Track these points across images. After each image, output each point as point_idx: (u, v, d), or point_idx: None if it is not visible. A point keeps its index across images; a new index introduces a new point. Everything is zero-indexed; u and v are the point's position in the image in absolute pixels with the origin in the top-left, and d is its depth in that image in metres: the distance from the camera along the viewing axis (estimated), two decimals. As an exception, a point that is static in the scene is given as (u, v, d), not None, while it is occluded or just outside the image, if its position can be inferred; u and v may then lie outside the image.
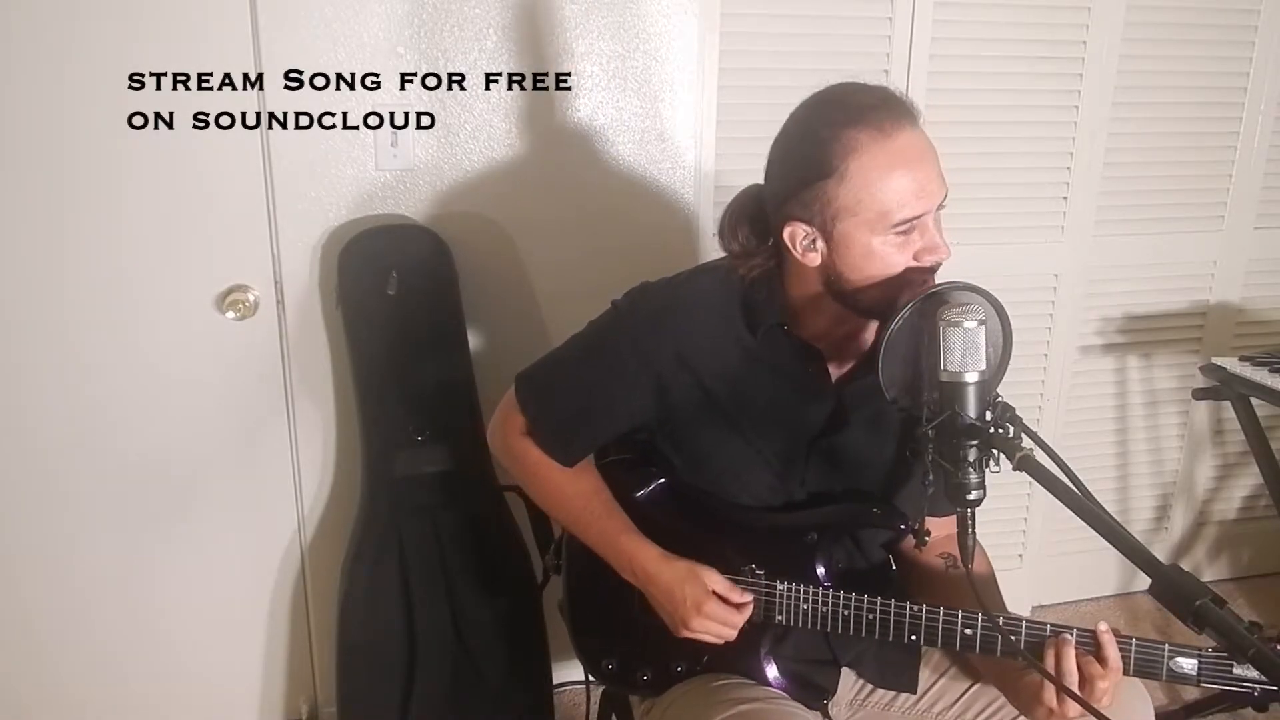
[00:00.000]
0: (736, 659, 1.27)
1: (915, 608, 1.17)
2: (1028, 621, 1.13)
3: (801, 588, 1.22)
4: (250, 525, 1.96)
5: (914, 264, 1.12)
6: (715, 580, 1.21)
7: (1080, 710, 1.06)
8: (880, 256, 1.12)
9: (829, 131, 1.11)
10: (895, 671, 1.33)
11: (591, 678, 1.38)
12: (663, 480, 1.32)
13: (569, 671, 2.07)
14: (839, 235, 1.12)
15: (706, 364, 1.24)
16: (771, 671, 1.27)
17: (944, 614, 1.16)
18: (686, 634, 1.22)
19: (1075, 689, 1.06)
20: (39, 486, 1.84)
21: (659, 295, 1.28)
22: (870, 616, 1.19)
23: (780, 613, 1.23)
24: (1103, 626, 1.09)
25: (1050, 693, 1.07)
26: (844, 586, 1.21)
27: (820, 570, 1.24)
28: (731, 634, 1.22)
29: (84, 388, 1.81)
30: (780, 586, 1.22)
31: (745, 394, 1.24)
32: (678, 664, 1.30)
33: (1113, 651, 1.08)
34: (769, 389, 1.25)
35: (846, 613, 1.20)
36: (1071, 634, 1.10)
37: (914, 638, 1.17)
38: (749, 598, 1.22)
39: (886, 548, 1.34)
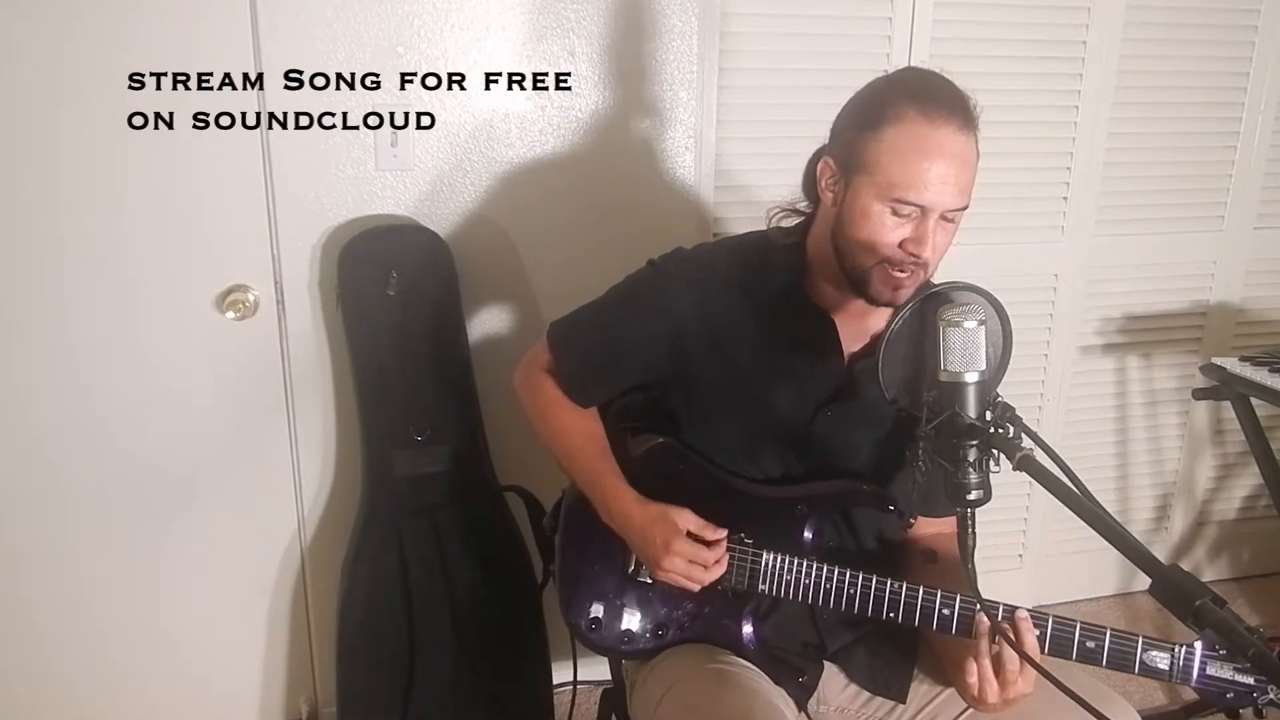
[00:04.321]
0: (716, 631, 1.30)
1: (895, 585, 1.20)
2: (1004, 605, 1.15)
3: (786, 558, 1.25)
4: (250, 525, 1.96)
5: (896, 251, 1.15)
6: (688, 519, 1.25)
7: (1007, 696, 1.10)
8: (873, 222, 1.16)
9: (890, 96, 1.16)
10: (886, 677, 1.33)
11: (575, 671, 1.43)
12: (662, 443, 1.35)
13: (569, 671, 2.06)
14: (852, 186, 1.18)
15: (723, 323, 1.28)
16: (747, 638, 1.29)
17: (923, 592, 1.18)
18: (661, 575, 1.25)
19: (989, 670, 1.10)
20: (39, 486, 1.84)
21: (691, 254, 1.35)
22: (851, 591, 1.22)
23: (764, 581, 1.26)
24: (1021, 613, 1.12)
25: (973, 676, 1.11)
26: (836, 563, 1.23)
27: (807, 538, 1.27)
28: (703, 574, 1.24)
29: (83, 388, 1.81)
30: (766, 556, 1.25)
31: (757, 357, 1.28)
32: (660, 629, 1.32)
33: (1029, 639, 1.11)
34: (781, 354, 1.28)
35: (828, 586, 1.23)
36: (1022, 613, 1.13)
37: (891, 615, 1.20)
38: (722, 533, 1.25)
39: (879, 539, 1.35)
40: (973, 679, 1.11)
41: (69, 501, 1.86)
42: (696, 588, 1.25)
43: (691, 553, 1.23)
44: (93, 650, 1.94)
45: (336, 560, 1.94)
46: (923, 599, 1.18)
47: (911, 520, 1.30)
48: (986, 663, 1.11)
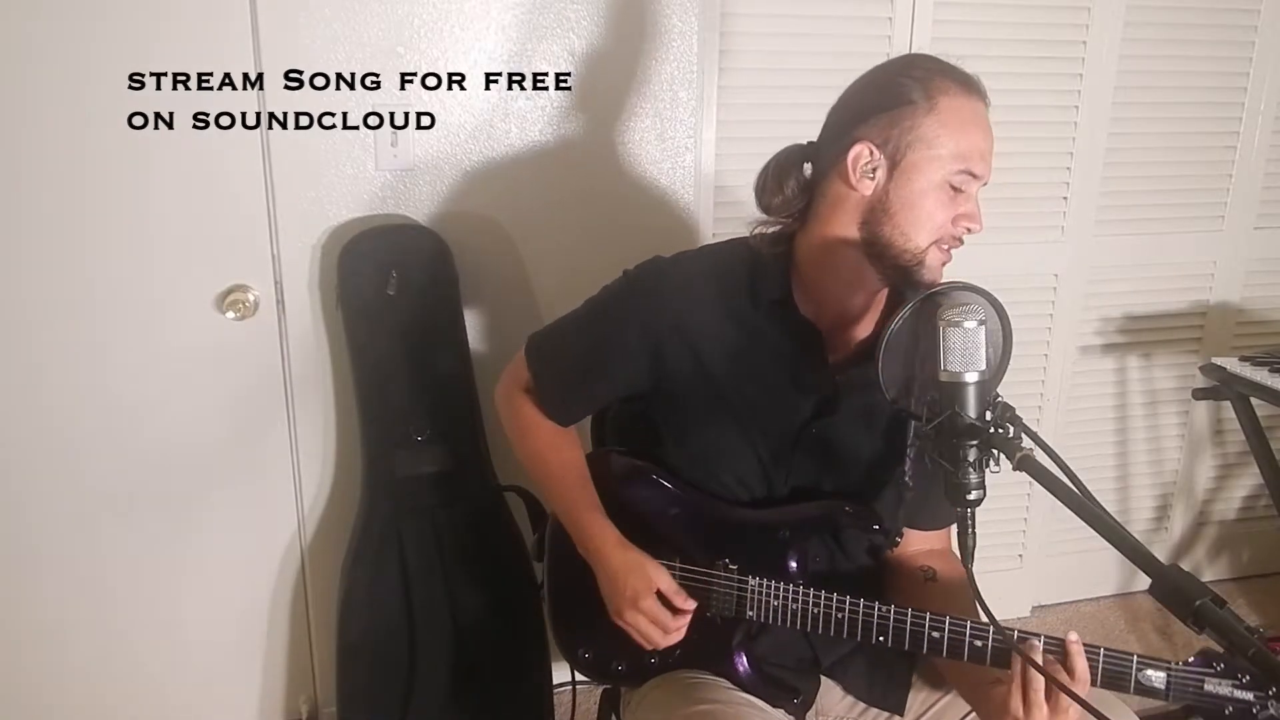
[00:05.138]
0: (709, 656, 1.28)
1: (884, 608, 1.16)
2: (1046, 637, 1.11)
3: (772, 584, 1.22)
4: (250, 525, 1.96)
5: (949, 228, 1.15)
6: (662, 579, 1.23)
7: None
8: (931, 200, 1.13)
9: (922, 74, 1.14)
10: (883, 689, 1.31)
11: (574, 672, 1.40)
12: (644, 465, 1.32)
13: (569, 671, 2.06)
14: (907, 164, 1.13)
15: (703, 337, 1.24)
16: (742, 669, 1.27)
17: (912, 615, 1.15)
18: (620, 623, 1.24)
19: (1040, 696, 1.04)
20: (37, 486, 1.84)
21: (667, 266, 1.30)
22: (839, 615, 1.18)
23: (751, 608, 1.23)
24: (1072, 636, 1.07)
25: (1016, 701, 1.05)
26: (822, 587, 1.20)
27: (793, 567, 1.24)
28: (660, 638, 1.22)
29: (82, 388, 1.81)
30: (751, 582, 1.23)
31: (739, 372, 1.25)
32: (651, 657, 1.30)
33: (1081, 663, 1.06)
34: (764, 369, 1.25)
35: (816, 610, 1.19)
36: (1039, 640, 1.08)
37: (881, 639, 1.17)
38: (692, 605, 1.23)
39: (871, 554, 1.33)
40: (1018, 711, 1.05)
41: (67, 501, 1.85)
42: (648, 646, 1.23)
43: (655, 614, 1.22)
44: (92, 650, 1.94)
45: (336, 560, 1.94)
46: (911, 623, 1.15)
47: (898, 539, 1.26)
48: (1018, 699, 1.05)
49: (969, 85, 1.15)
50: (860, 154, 1.14)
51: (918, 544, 1.33)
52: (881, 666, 1.32)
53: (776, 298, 1.24)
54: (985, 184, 1.17)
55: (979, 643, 1.12)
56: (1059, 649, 1.07)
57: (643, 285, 1.29)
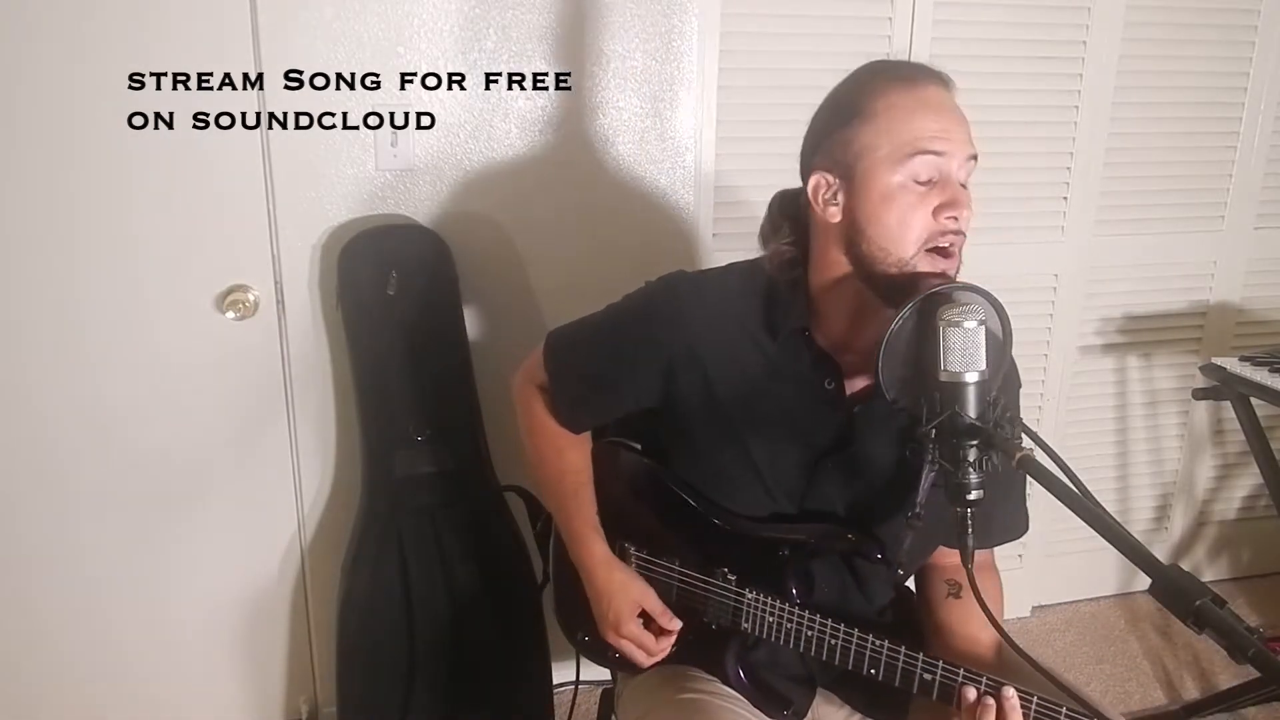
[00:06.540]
0: (703, 654, 1.29)
1: (877, 642, 1.14)
2: (987, 678, 1.09)
3: (768, 600, 1.21)
4: (250, 525, 1.96)
5: (933, 225, 1.08)
6: (647, 601, 1.25)
7: None
8: (898, 202, 1.07)
9: (859, 83, 1.13)
10: (882, 701, 1.29)
11: (579, 669, 1.44)
12: (650, 465, 1.32)
13: (569, 671, 2.06)
14: (860, 176, 1.09)
15: (717, 363, 1.22)
16: (733, 672, 1.27)
17: (905, 654, 1.13)
18: (606, 641, 1.27)
19: None
20: (39, 487, 1.84)
21: (686, 285, 1.26)
22: (833, 642, 1.17)
23: (746, 621, 1.23)
24: (1008, 692, 1.06)
25: None
26: (831, 609, 1.19)
27: (791, 586, 1.22)
28: (643, 660, 1.25)
29: (83, 388, 1.81)
30: (748, 595, 1.22)
31: (752, 402, 1.22)
32: None
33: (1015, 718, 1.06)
34: (779, 401, 1.21)
35: (810, 633, 1.18)
36: (1032, 701, 1.06)
37: (872, 672, 1.15)
38: (677, 625, 1.25)
39: (873, 585, 1.29)
40: None
41: (68, 501, 1.86)
42: (634, 664, 1.26)
43: (637, 639, 1.24)
44: (93, 650, 1.94)
45: (336, 560, 1.94)
46: (904, 661, 1.13)
47: (900, 571, 1.24)
48: None
49: (909, 77, 1.10)
50: (818, 184, 1.13)
51: (949, 556, 1.29)
52: (882, 687, 1.29)
53: (795, 328, 1.20)
54: (970, 160, 1.10)
55: (971, 694, 1.09)
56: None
57: (660, 304, 1.25)
